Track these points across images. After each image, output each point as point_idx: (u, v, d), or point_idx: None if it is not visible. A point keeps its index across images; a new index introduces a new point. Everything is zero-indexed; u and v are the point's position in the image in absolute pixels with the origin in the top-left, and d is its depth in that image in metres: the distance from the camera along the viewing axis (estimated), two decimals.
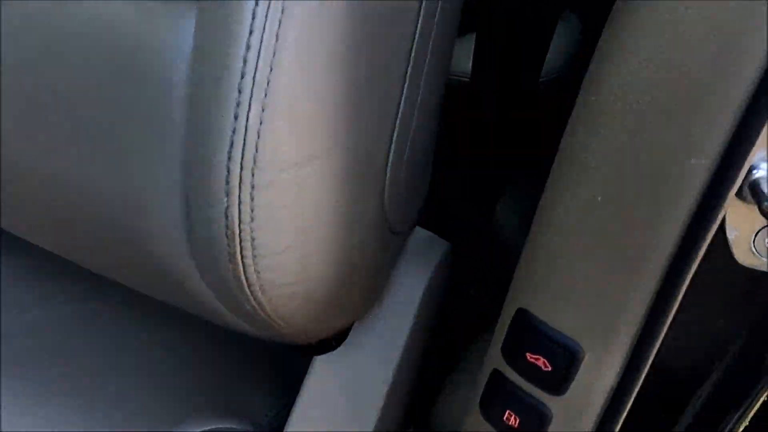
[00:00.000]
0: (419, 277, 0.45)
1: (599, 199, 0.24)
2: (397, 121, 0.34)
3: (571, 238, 0.26)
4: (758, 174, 0.25)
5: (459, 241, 0.51)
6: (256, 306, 0.33)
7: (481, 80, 0.52)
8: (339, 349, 0.45)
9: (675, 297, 0.26)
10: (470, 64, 0.54)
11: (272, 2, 0.25)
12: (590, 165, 0.24)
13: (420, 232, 0.48)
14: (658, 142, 0.23)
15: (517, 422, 0.31)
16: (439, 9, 0.35)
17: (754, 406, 0.32)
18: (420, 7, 0.33)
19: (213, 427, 0.47)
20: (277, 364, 0.57)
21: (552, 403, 0.30)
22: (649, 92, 0.23)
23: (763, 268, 0.28)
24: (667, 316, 0.26)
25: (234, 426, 0.47)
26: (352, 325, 0.46)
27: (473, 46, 0.52)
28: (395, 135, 0.35)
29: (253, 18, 0.25)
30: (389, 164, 0.35)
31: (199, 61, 0.29)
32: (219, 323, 0.46)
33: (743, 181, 0.25)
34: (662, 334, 0.27)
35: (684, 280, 0.26)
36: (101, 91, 0.32)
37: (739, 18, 0.22)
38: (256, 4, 0.25)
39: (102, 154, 0.34)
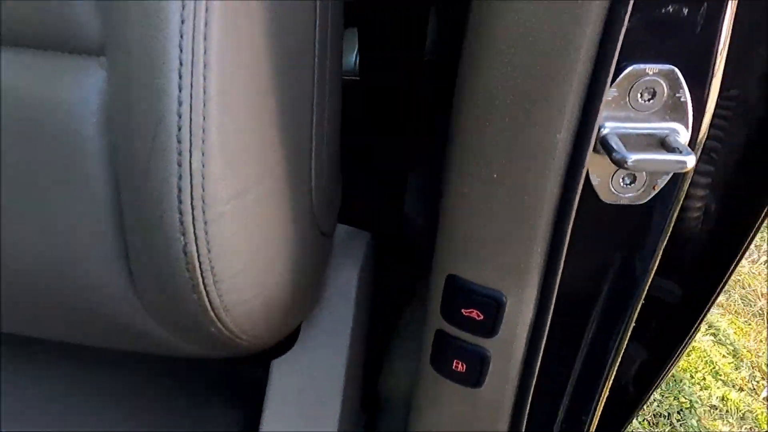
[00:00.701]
0: (351, 268, 0.51)
1: (495, 176, 0.31)
2: (313, 134, 0.39)
3: (479, 210, 0.33)
4: (605, 132, 0.33)
5: (376, 229, 0.57)
6: (221, 327, 0.37)
7: (370, 76, 0.57)
8: (293, 349, 0.49)
9: (564, 239, 0.33)
10: (352, 62, 0.59)
11: (195, 58, 0.29)
12: (485, 150, 0.30)
13: (341, 228, 0.53)
14: (532, 125, 0.29)
15: (464, 367, 0.37)
16: (330, 8, 0.39)
17: (634, 314, 0.41)
18: (315, 8, 0.37)
19: None
20: (231, 380, 0.60)
21: (489, 344, 0.36)
22: (516, 89, 0.29)
23: (622, 202, 0.36)
24: (561, 254, 0.33)
25: None
26: (300, 326, 0.50)
27: (356, 45, 0.57)
28: (313, 147, 0.39)
29: (180, 77, 0.29)
30: (312, 176, 0.40)
31: (121, 115, 0.31)
32: (168, 354, 0.49)
33: (596, 139, 0.32)
34: (560, 269, 0.34)
35: (568, 225, 0.33)
36: (16, 153, 0.34)
37: (570, 22, 0.29)
38: (181, 64, 0.29)
39: (26, 215, 0.36)
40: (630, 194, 0.36)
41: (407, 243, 0.69)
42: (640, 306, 0.41)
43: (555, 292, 0.34)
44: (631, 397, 0.61)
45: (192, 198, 0.31)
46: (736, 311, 1.68)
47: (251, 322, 0.38)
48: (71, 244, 0.37)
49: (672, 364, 0.61)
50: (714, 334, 1.59)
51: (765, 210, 0.49)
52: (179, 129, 0.29)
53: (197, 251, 0.32)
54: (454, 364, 0.37)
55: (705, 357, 1.52)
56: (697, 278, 0.53)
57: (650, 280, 0.40)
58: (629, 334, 0.41)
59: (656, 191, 0.36)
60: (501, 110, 0.30)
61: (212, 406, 0.55)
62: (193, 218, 0.31)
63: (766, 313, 1.69)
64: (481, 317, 0.35)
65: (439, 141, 0.51)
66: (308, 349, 0.49)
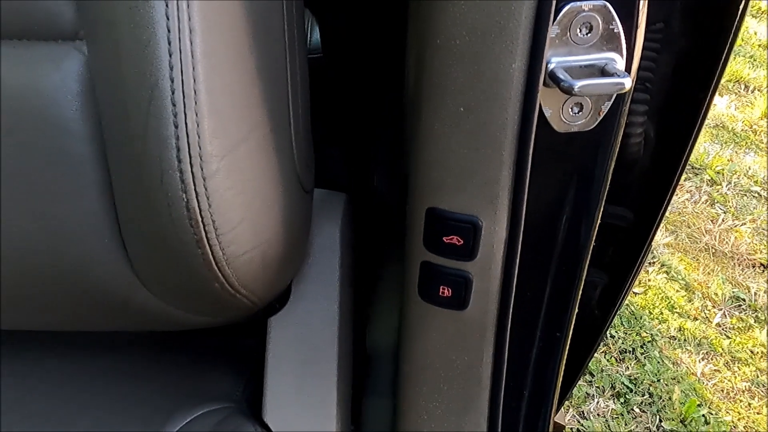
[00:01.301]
0: (332, 225, 0.54)
1: (462, 109, 0.35)
2: (289, 97, 0.42)
3: (450, 142, 0.36)
4: (552, 66, 0.37)
5: (350, 192, 0.60)
6: (224, 281, 0.39)
7: (333, 52, 0.60)
8: (287, 305, 0.52)
9: (526, 164, 0.38)
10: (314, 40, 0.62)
11: (180, 24, 0.31)
12: (452, 86, 0.34)
13: (319, 192, 0.57)
14: (490, 58, 0.33)
15: (450, 292, 0.41)
16: None
17: (593, 232, 0.46)
18: None
19: (199, 413, 0.52)
20: (228, 345, 0.63)
21: (469, 267, 0.40)
22: (473, 26, 0.33)
23: (573, 129, 0.41)
24: (525, 178, 0.38)
25: (216, 406, 0.53)
26: (290, 287, 0.53)
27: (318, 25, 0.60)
28: (290, 109, 0.42)
29: (170, 42, 0.31)
30: (292, 134, 0.43)
31: (111, 88, 0.34)
32: (168, 328, 0.51)
33: (545, 73, 0.37)
34: (525, 191, 0.38)
35: (529, 151, 0.37)
36: (3, 143, 0.35)
37: None
38: (169, 30, 0.31)
39: (16, 202, 0.38)
40: (579, 122, 0.41)
41: (376, 205, 0.73)
42: (597, 226, 0.46)
43: (523, 212, 0.39)
44: (597, 319, 0.66)
45: (190, 156, 0.33)
46: (684, 249, 1.79)
47: (251, 274, 0.41)
48: (63, 227, 0.39)
49: (630, 285, 0.67)
50: (666, 272, 1.69)
51: (696, 131, 0.55)
52: (173, 92, 0.32)
53: (198, 207, 0.34)
54: (441, 290, 0.41)
55: (660, 293, 1.62)
56: (645, 200, 0.58)
57: (604, 199, 0.45)
58: (590, 250, 0.46)
59: (602, 116, 0.41)
60: (462, 48, 0.33)
61: (213, 371, 0.58)
62: (193, 175, 0.34)
63: (710, 248, 1.81)
64: (461, 242, 0.39)
65: (397, 105, 0.55)
66: (302, 303, 0.52)
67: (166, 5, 0.31)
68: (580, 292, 0.49)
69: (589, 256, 0.47)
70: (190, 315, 0.48)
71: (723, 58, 0.48)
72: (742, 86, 2.52)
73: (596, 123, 0.41)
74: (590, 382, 1.37)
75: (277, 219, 0.41)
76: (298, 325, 0.52)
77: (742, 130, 2.30)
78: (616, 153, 0.44)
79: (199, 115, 0.33)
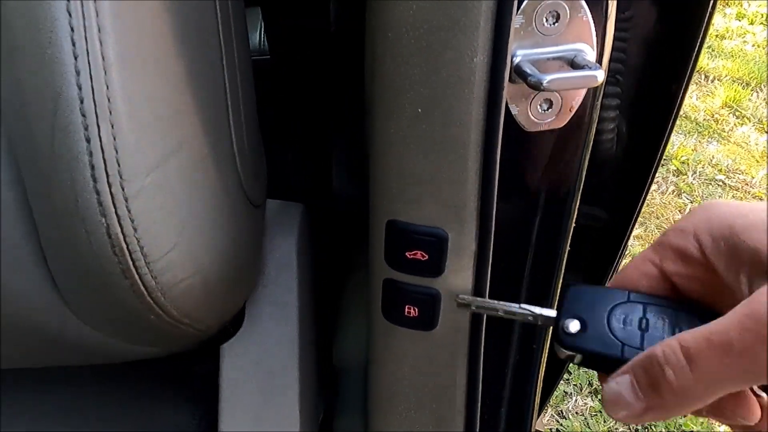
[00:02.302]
0: (288, 240, 0.50)
1: (420, 110, 0.31)
2: (229, 103, 0.38)
3: (408, 148, 0.33)
4: (518, 60, 0.33)
5: (307, 201, 0.56)
6: (161, 312, 0.35)
7: (281, 53, 0.56)
8: (241, 330, 0.48)
9: (494, 169, 0.34)
10: (256, 41, 0.57)
11: (87, 21, 0.27)
12: (407, 85, 0.30)
13: (273, 204, 0.52)
14: (448, 52, 0.29)
15: (417, 311, 0.37)
16: None
17: (567, 237, 0.42)
18: None
19: None
20: (182, 376, 0.58)
21: (437, 283, 0.37)
22: (427, 18, 0.29)
23: (543, 128, 0.37)
24: (493, 184, 0.34)
25: None
26: (244, 309, 0.49)
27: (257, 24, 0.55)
28: (230, 116, 0.38)
29: (74, 44, 0.27)
30: (234, 143, 0.38)
31: (12, 98, 0.29)
32: (110, 361, 0.46)
33: (510, 68, 0.33)
34: (494, 199, 0.35)
35: (496, 154, 0.34)
36: None
37: None
38: (72, 29, 0.26)
39: None
40: (549, 119, 0.37)
41: (338, 212, 0.69)
42: (572, 229, 0.43)
43: (493, 221, 0.35)
44: None
45: (107, 174, 0.29)
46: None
47: (192, 303, 0.36)
48: None
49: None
50: None
51: (670, 125, 0.52)
52: (81, 101, 0.27)
53: (122, 232, 0.30)
54: (406, 309, 0.38)
55: None
56: (620, 198, 0.56)
57: (578, 200, 0.42)
58: (566, 255, 0.43)
59: (573, 113, 0.38)
60: (416, 43, 0.29)
61: (165, 403, 0.53)
62: (112, 196, 0.29)
63: None
64: (426, 257, 0.35)
65: (357, 104, 0.51)
66: (257, 327, 0.48)
67: (68, 1, 0.26)
68: (557, 299, 0.46)
69: (565, 261, 0.44)
70: (133, 347, 0.43)
71: (696, 47, 0.45)
72: (702, 76, 2.55)
73: (567, 120, 0.38)
74: (567, 380, 1.35)
75: (218, 240, 0.36)
76: (254, 350, 0.47)
77: (704, 119, 2.32)
78: (590, 150, 0.41)
79: (115, 127, 0.28)
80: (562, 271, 0.44)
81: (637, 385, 0.26)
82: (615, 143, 0.52)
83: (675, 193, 1.97)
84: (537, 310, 0.33)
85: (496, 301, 0.35)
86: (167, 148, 0.31)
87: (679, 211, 1.92)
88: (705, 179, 2.05)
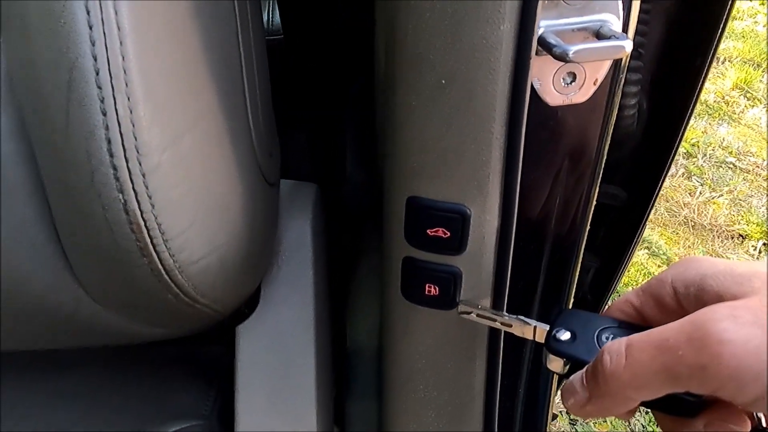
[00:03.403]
0: (303, 220, 0.49)
1: (443, 82, 0.30)
2: (244, 79, 0.37)
3: (430, 121, 0.32)
4: (542, 31, 0.32)
5: (321, 182, 0.55)
6: (178, 291, 0.34)
7: (294, 33, 0.55)
8: (256, 311, 0.47)
9: (519, 142, 0.33)
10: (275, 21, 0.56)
11: None
12: (429, 56, 0.29)
13: (287, 184, 0.51)
14: (475, 19, 0.28)
15: (437, 290, 0.37)
16: None
17: (589, 212, 0.42)
18: None
19: None
20: (194, 355, 0.58)
21: (458, 261, 0.36)
22: None
23: (566, 102, 0.36)
24: (518, 158, 0.33)
25: (184, 425, 0.48)
26: (259, 290, 0.48)
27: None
28: (247, 93, 0.37)
29: (88, 12, 0.26)
30: (250, 120, 0.37)
31: (26, 73, 0.28)
32: (123, 342, 0.46)
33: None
34: (519, 174, 0.34)
35: (521, 127, 0.33)
36: None
37: None
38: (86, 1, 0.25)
39: None
40: (572, 93, 0.36)
41: (350, 196, 0.68)
42: (593, 207, 0.42)
43: (516, 197, 0.34)
44: (589, 304, 0.63)
45: (124, 149, 0.28)
46: (663, 223, 1.78)
47: (209, 282, 0.36)
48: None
49: (624, 267, 0.63)
50: (648, 248, 1.68)
51: (693, 102, 0.51)
52: (97, 72, 0.26)
53: (139, 208, 0.29)
54: (426, 288, 0.37)
55: (643, 270, 1.60)
56: (639, 177, 0.54)
57: (600, 178, 0.41)
58: (586, 233, 0.42)
59: (596, 86, 0.37)
60: (440, 10, 0.28)
61: (179, 385, 0.53)
62: (129, 171, 0.28)
63: (689, 221, 1.80)
64: (448, 234, 0.34)
65: (370, 84, 0.50)
66: (272, 308, 0.47)
67: None
68: (576, 279, 0.45)
69: (585, 240, 0.43)
70: (147, 328, 0.43)
71: (722, 22, 0.43)
72: None
73: (591, 94, 0.37)
74: None
75: (236, 218, 0.36)
76: (270, 331, 0.47)
77: (714, 101, 2.30)
78: (613, 125, 0.40)
79: (132, 99, 0.27)
80: (582, 249, 0.43)
81: (584, 375, 0.29)
82: (636, 120, 0.50)
83: (685, 176, 1.96)
84: (532, 322, 0.35)
85: (495, 312, 0.36)
86: (184, 123, 0.30)
87: (689, 193, 1.90)
88: (715, 162, 2.03)
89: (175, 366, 0.56)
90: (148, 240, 0.30)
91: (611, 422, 1.25)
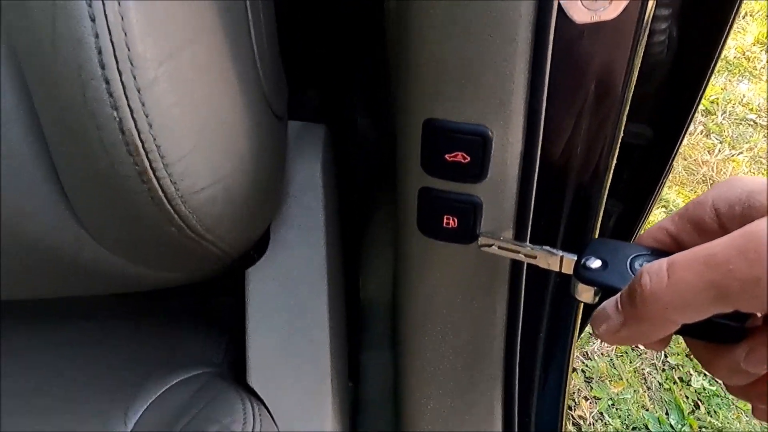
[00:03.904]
0: (312, 161, 0.47)
1: None
2: (248, 6, 0.34)
3: (449, 32, 0.29)
4: None
5: (329, 123, 0.53)
6: (182, 224, 0.32)
7: None
8: (267, 253, 0.45)
9: (545, 54, 0.30)
10: None
11: None
12: None
13: (294, 125, 0.49)
14: None
15: (456, 222, 0.35)
16: None
17: (618, 138, 0.39)
18: None
19: (174, 381, 0.46)
20: (203, 305, 0.56)
21: (478, 190, 0.34)
22: None
23: (594, 19, 0.33)
24: (544, 75, 0.30)
25: (194, 372, 0.47)
26: (268, 234, 0.46)
27: None
28: (250, 16, 0.34)
29: None
30: (255, 46, 0.35)
31: None
32: (128, 288, 0.44)
33: None
34: (545, 92, 0.31)
35: (548, 40, 0.30)
36: None
37: None
38: None
39: None
40: (600, 9, 0.33)
41: (360, 139, 0.65)
42: (621, 136, 0.39)
43: (542, 117, 0.32)
44: None
45: (117, 60, 0.26)
46: (681, 182, 1.74)
47: (214, 216, 0.34)
48: None
49: (648, 212, 0.61)
50: (665, 206, 1.64)
51: (726, 30, 0.48)
52: None
53: (136, 127, 0.27)
54: (445, 221, 0.35)
55: None
56: (666, 114, 0.52)
57: (629, 104, 0.38)
58: (613, 165, 0.40)
59: (627, 0, 0.34)
60: None
61: (188, 334, 0.51)
62: (123, 85, 0.26)
63: (708, 179, 1.76)
64: (468, 159, 0.32)
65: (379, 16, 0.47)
66: (282, 251, 0.45)
67: None
68: (600, 216, 0.42)
69: (612, 172, 0.40)
70: (152, 271, 0.41)
71: None
72: None
73: (621, 10, 0.34)
74: None
75: (241, 146, 0.33)
76: (281, 275, 0.45)
77: (734, 57, 2.22)
78: (644, 46, 0.37)
79: (122, 5, 0.25)
80: (608, 182, 0.40)
81: (619, 299, 0.27)
82: (666, 48, 0.47)
83: (704, 134, 1.90)
84: (559, 252, 0.33)
85: (518, 243, 0.34)
86: (181, 36, 0.28)
87: (708, 151, 1.85)
88: (735, 119, 1.97)
89: (184, 317, 0.55)
90: (147, 164, 0.28)
91: (627, 380, 1.24)
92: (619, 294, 0.26)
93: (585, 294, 0.30)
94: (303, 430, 0.45)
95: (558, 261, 0.32)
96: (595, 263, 0.29)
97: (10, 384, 0.48)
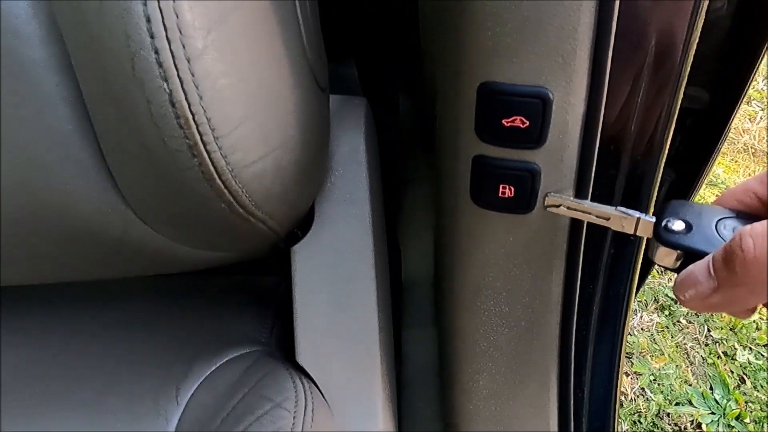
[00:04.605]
0: (355, 134, 0.45)
1: None
2: None
3: None
4: None
5: (371, 97, 0.51)
6: (232, 200, 0.32)
7: None
8: (312, 230, 0.44)
9: (611, 12, 0.28)
10: None
11: None
12: None
13: (335, 99, 0.48)
14: None
15: (513, 191, 0.33)
16: None
17: (678, 98, 0.37)
18: None
19: (224, 360, 0.46)
20: (249, 284, 0.56)
21: (537, 156, 0.32)
22: None
23: None
24: (610, 27, 0.29)
25: (243, 351, 0.47)
26: (312, 212, 0.46)
27: None
28: None
29: None
30: (298, 11, 0.34)
31: None
32: (173, 269, 0.44)
33: None
34: (610, 50, 0.29)
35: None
36: None
37: None
38: None
39: None
40: None
41: (402, 115, 0.64)
42: (680, 102, 0.37)
43: (607, 77, 0.30)
44: None
45: (166, 29, 0.25)
46: (722, 151, 1.68)
47: (264, 191, 0.33)
48: (30, 153, 0.31)
49: (701, 181, 0.58)
50: None
51: None
52: None
53: (186, 99, 0.26)
54: (501, 190, 0.33)
55: (700, 200, 1.53)
56: (724, 76, 0.49)
57: (689, 64, 0.36)
58: (672, 131, 0.37)
59: None
60: None
61: (237, 314, 0.51)
62: (173, 55, 0.25)
63: (749, 147, 1.70)
64: (527, 124, 0.30)
65: None
66: (329, 225, 0.44)
67: None
68: (658, 185, 0.40)
69: (671, 136, 0.38)
70: (198, 251, 0.41)
71: None
72: None
73: None
74: None
75: (289, 117, 0.32)
76: (327, 251, 0.44)
77: None
78: (705, 8, 0.35)
79: None
80: (667, 148, 0.38)
81: (712, 263, 0.25)
82: (726, 3, 0.45)
83: (744, 101, 1.83)
84: (635, 213, 0.30)
85: (589, 202, 0.32)
86: (228, 1, 0.27)
87: (749, 119, 1.79)
88: None
89: (231, 296, 0.55)
90: (198, 137, 0.27)
91: (669, 355, 1.21)
92: (710, 258, 0.25)
93: (667, 258, 0.28)
94: (353, 407, 0.44)
95: (633, 223, 0.30)
96: (678, 225, 0.28)
97: (62, 365, 0.49)
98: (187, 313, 0.52)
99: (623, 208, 0.31)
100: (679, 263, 0.27)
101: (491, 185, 0.33)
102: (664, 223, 0.28)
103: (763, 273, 0.22)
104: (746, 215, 0.27)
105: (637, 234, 0.30)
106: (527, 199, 0.33)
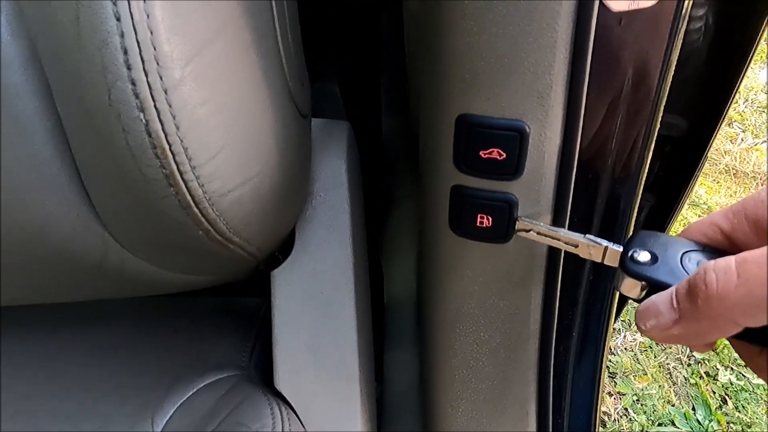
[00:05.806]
0: (337, 158, 0.46)
1: None
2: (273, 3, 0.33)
3: (486, 26, 0.28)
4: None
5: (353, 121, 0.51)
6: (209, 227, 0.32)
7: None
8: (292, 255, 0.44)
9: (586, 45, 0.29)
10: None
11: None
12: None
13: (318, 122, 0.48)
14: None
15: (491, 221, 0.33)
16: None
17: (656, 126, 0.37)
18: None
19: (202, 384, 0.45)
20: (229, 306, 0.56)
21: (514, 187, 0.32)
22: None
23: (632, 7, 0.32)
24: (584, 63, 0.29)
25: (221, 375, 0.46)
26: (293, 235, 0.46)
27: None
28: (274, 9, 0.33)
29: None
30: (279, 42, 0.34)
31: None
32: (153, 292, 0.43)
33: None
34: (585, 85, 0.30)
35: (589, 29, 0.29)
36: None
37: None
38: None
39: None
40: None
41: (386, 139, 0.64)
42: (657, 130, 0.38)
43: (582, 111, 0.30)
44: None
45: (143, 60, 0.25)
46: (704, 172, 1.71)
47: (242, 217, 0.33)
48: (9, 176, 0.31)
49: (680, 206, 0.59)
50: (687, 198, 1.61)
51: (763, 27, 0.46)
52: None
53: (163, 129, 0.26)
54: (478, 219, 0.34)
55: (683, 220, 1.55)
56: (702, 103, 0.50)
57: (666, 96, 0.36)
58: (649, 159, 0.38)
59: None
60: None
61: (213, 337, 0.51)
62: (150, 86, 0.25)
63: (731, 169, 1.72)
64: (504, 156, 0.31)
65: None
66: (309, 250, 0.44)
67: None
68: (635, 213, 0.41)
69: (648, 165, 0.39)
70: (177, 275, 0.40)
71: None
72: None
73: None
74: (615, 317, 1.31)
75: (269, 145, 0.32)
76: (307, 276, 0.44)
77: None
78: (682, 35, 0.35)
79: (147, 3, 0.24)
80: (644, 177, 0.39)
81: (675, 295, 0.25)
82: (702, 35, 0.46)
83: (726, 123, 1.86)
84: (603, 242, 0.30)
85: (558, 229, 0.32)
86: (207, 33, 0.27)
87: (731, 141, 1.82)
88: (758, 107, 1.93)
89: (211, 318, 0.54)
90: (174, 167, 0.27)
91: (652, 375, 1.22)
92: (673, 290, 0.25)
93: (632, 289, 0.28)
94: None
95: (601, 252, 0.30)
96: (644, 256, 0.28)
97: (38, 388, 0.48)
98: (166, 335, 0.51)
99: (591, 236, 0.31)
100: (643, 294, 0.28)
101: (469, 215, 0.34)
102: (630, 254, 0.28)
103: (724, 308, 0.22)
104: (712, 249, 0.27)
105: (605, 262, 0.30)
106: (505, 228, 0.34)
